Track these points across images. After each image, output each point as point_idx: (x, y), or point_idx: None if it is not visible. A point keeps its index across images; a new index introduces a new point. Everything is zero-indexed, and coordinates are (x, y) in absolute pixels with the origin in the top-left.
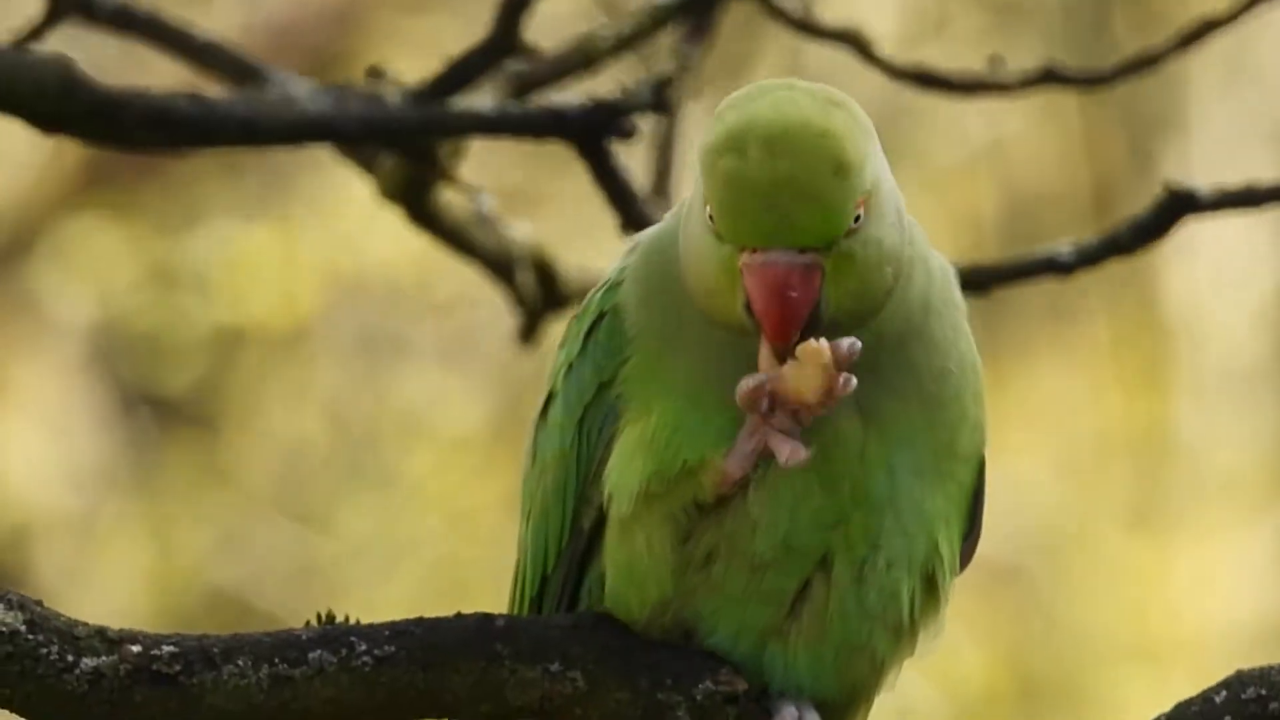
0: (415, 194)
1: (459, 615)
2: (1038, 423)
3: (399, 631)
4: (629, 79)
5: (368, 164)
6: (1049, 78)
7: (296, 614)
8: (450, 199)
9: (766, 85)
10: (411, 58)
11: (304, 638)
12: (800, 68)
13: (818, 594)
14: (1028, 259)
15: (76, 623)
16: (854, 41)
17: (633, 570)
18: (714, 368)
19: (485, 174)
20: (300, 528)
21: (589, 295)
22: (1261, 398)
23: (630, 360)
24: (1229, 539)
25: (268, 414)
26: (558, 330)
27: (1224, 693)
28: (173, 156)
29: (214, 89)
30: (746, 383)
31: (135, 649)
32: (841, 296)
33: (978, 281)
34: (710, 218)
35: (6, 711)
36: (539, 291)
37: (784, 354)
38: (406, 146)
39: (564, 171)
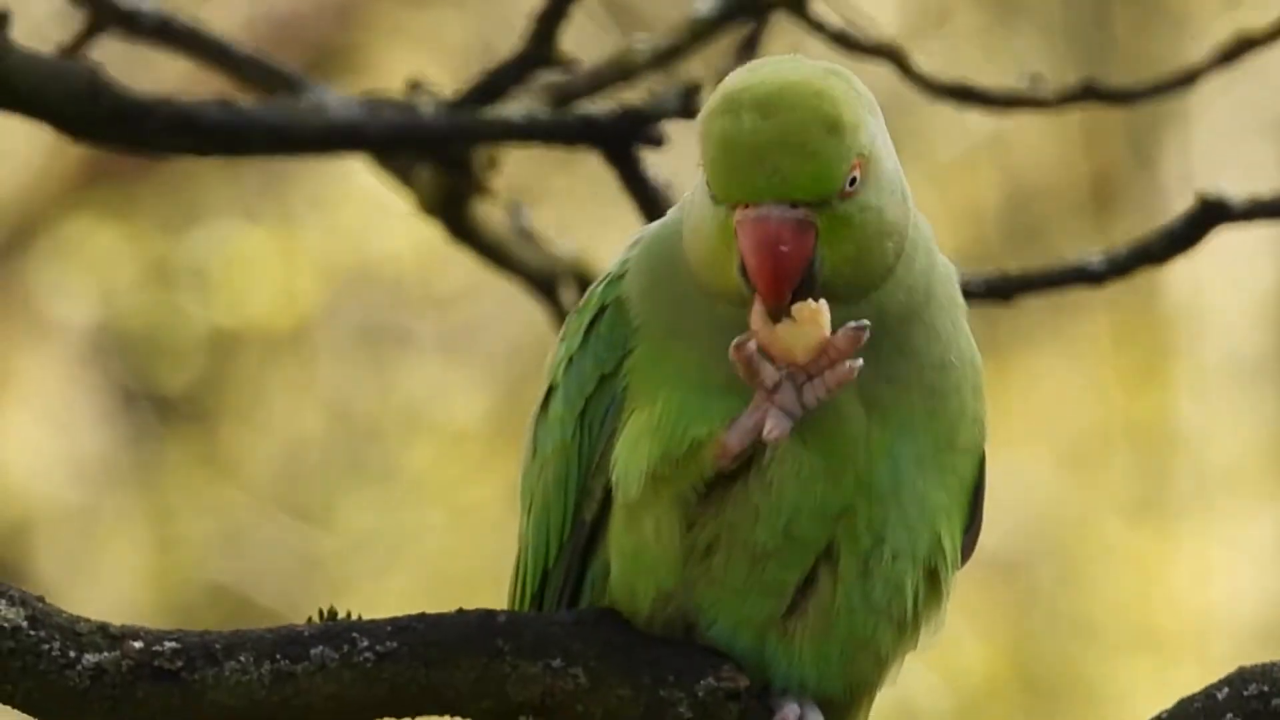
0: (453, 208)
1: (461, 611)
2: (1039, 415)
3: (401, 627)
4: (658, 86)
5: (404, 176)
6: (1087, 94)
7: (297, 609)
8: (489, 213)
9: (770, 57)
10: (413, 52)
11: (306, 634)
12: None
13: (824, 588)
14: (1058, 268)
15: (78, 619)
16: (893, 57)
17: (640, 558)
18: (719, 352)
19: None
20: (301, 522)
21: (590, 289)
22: (1262, 390)
23: (634, 351)
24: (1230, 531)
25: (268, 409)
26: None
27: (1226, 689)
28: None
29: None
30: (739, 338)
31: (137, 645)
32: (839, 261)
33: (1006, 290)
34: (708, 183)
35: (8, 708)
36: None
37: (777, 313)
38: (440, 155)
39: (567, 168)
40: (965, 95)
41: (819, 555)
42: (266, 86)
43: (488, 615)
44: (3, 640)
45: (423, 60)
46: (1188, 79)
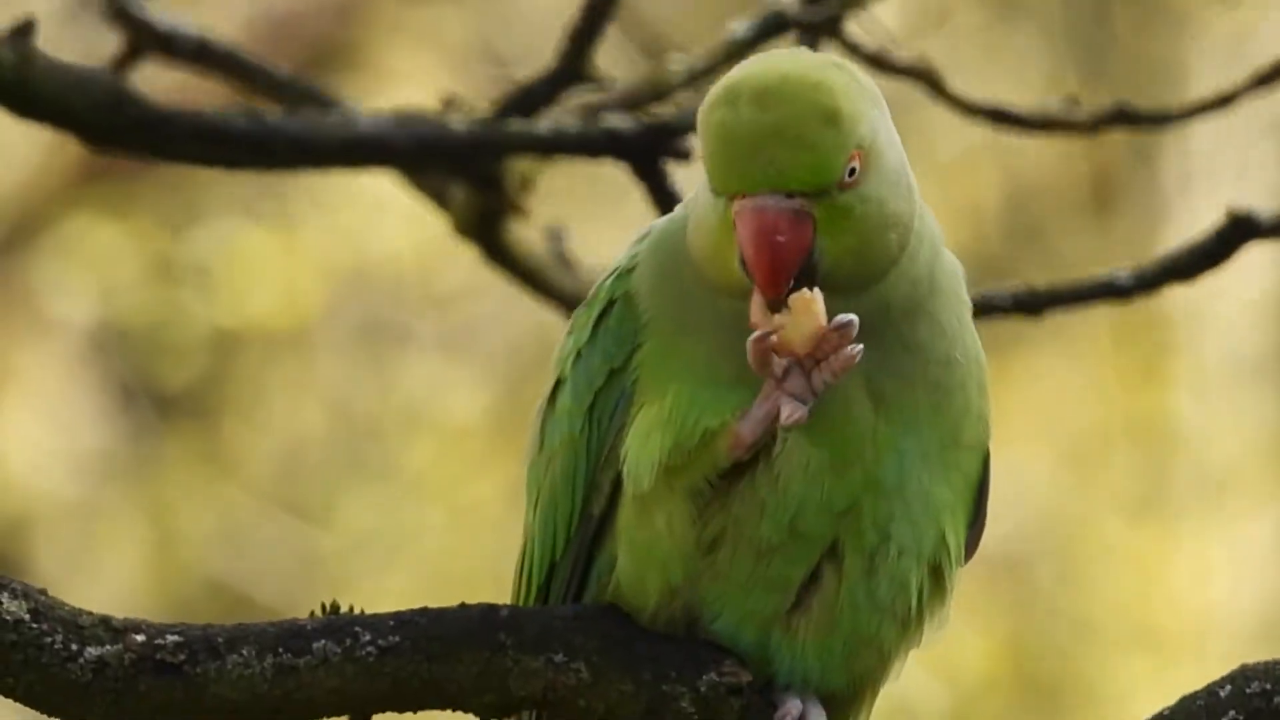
0: (488, 229)
1: (463, 605)
2: (1040, 414)
3: (403, 622)
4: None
5: (439, 197)
6: (1121, 117)
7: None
8: (526, 236)
9: (773, 50)
10: (412, 49)
11: (308, 627)
12: None
13: (828, 584)
14: (1086, 284)
15: (81, 612)
16: (927, 78)
17: (652, 551)
18: (727, 345)
19: None
20: (301, 520)
21: (597, 283)
22: (1262, 389)
23: (643, 345)
24: (1230, 530)
25: (268, 407)
26: None
27: (1229, 687)
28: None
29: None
30: (758, 333)
31: (139, 638)
32: (839, 253)
33: (1034, 305)
34: (708, 176)
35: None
36: None
37: (775, 304)
38: (470, 172)
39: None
40: (1000, 117)
41: (824, 551)
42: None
43: (490, 609)
44: (5, 633)
45: (422, 58)
46: (1223, 101)
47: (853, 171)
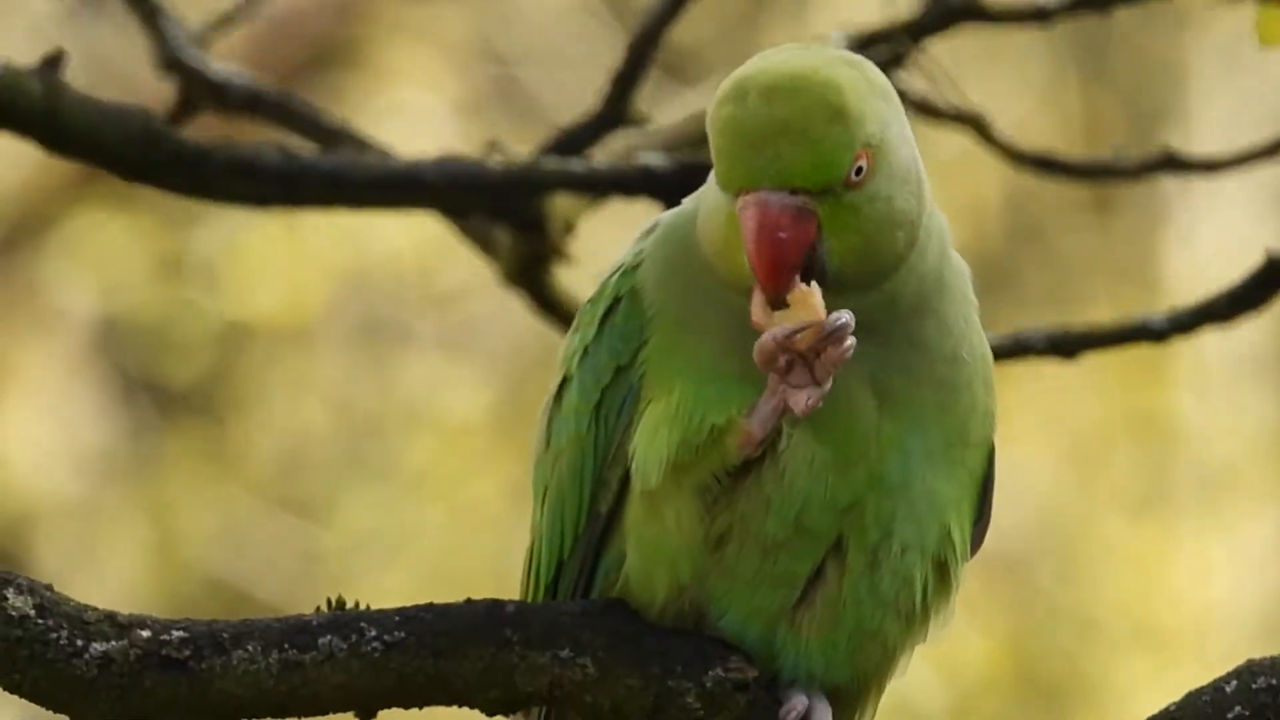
0: (534, 275)
1: (469, 601)
2: (1040, 411)
3: (409, 617)
4: None
5: (485, 245)
6: (1169, 164)
7: (298, 604)
8: (571, 283)
9: (785, 45)
10: (413, 48)
11: (314, 623)
12: None
13: (831, 579)
14: (1120, 326)
15: (86, 607)
16: (974, 124)
17: (661, 548)
18: (734, 341)
19: None
20: (302, 518)
21: (603, 279)
22: (1264, 387)
23: (649, 342)
24: (1231, 528)
25: (270, 405)
26: None
27: (1234, 682)
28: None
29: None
30: (769, 331)
31: (145, 634)
32: (846, 252)
33: (1068, 346)
34: (716, 171)
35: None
36: None
37: (777, 300)
38: (509, 212)
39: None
40: (1047, 165)
41: (829, 547)
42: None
43: (496, 605)
44: (10, 629)
45: (423, 56)
46: (1275, 149)
47: (860, 170)
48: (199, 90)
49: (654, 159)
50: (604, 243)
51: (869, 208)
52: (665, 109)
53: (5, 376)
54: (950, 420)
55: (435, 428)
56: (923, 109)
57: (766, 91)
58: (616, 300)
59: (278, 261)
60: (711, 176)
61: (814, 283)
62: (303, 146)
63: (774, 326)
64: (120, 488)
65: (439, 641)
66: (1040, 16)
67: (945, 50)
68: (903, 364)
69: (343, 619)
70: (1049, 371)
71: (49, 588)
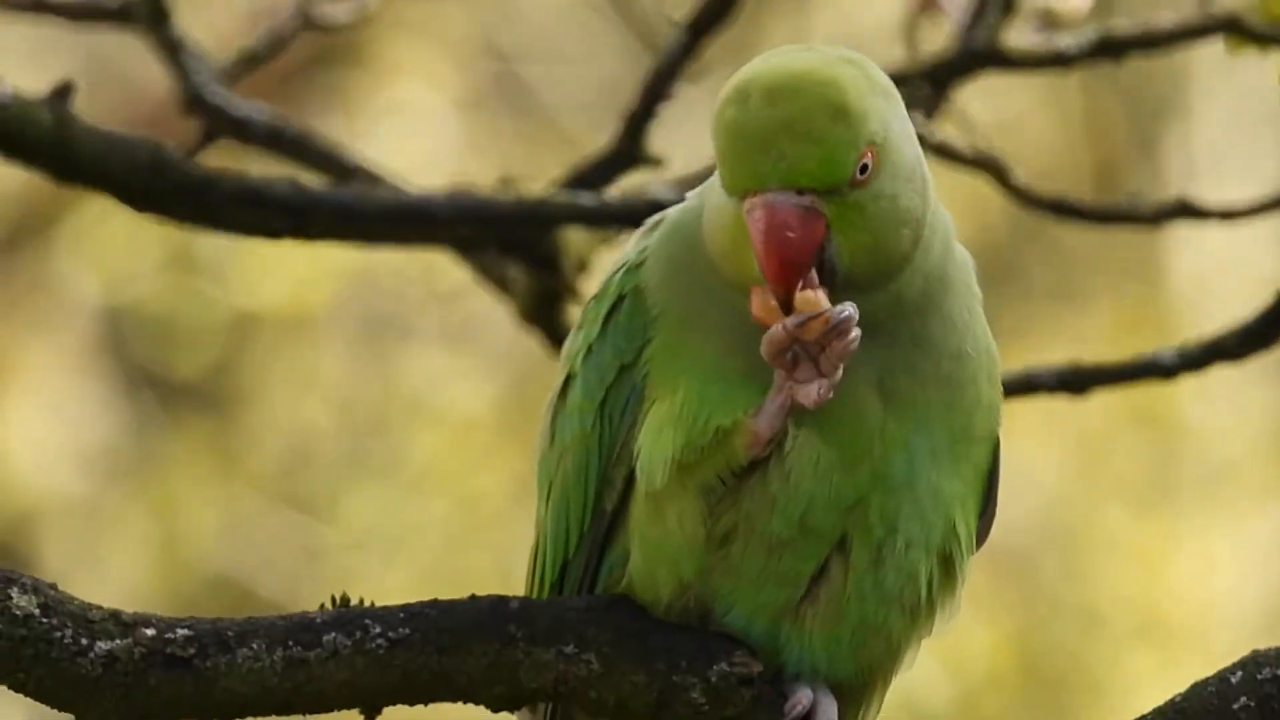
0: (549, 314)
1: (473, 597)
2: (1044, 408)
3: (413, 614)
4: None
5: (502, 283)
6: (1184, 210)
7: (301, 601)
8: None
9: (786, 46)
10: (415, 45)
11: (318, 620)
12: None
13: (835, 576)
14: (1130, 363)
15: (90, 606)
16: (992, 169)
17: (664, 547)
18: (738, 340)
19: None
20: (305, 514)
21: (607, 277)
22: (1267, 382)
23: (653, 340)
24: (1234, 523)
25: (273, 401)
26: None
27: (1240, 673)
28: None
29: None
30: (776, 327)
31: (149, 632)
32: (854, 251)
33: (1078, 383)
34: (720, 175)
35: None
36: None
37: (786, 301)
38: (520, 246)
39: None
40: (1063, 210)
41: (834, 545)
42: None
43: (500, 601)
44: (15, 628)
45: (424, 53)
46: None
47: (865, 169)
48: (220, 126)
49: (664, 192)
50: None
51: (875, 206)
52: (665, 108)
53: (9, 373)
54: (955, 416)
55: (439, 424)
56: (941, 153)
57: (768, 92)
58: (620, 298)
59: (282, 257)
60: (716, 175)
61: (820, 290)
62: (320, 182)
63: (776, 320)
64: (123, 485)
65: (443, 638)
66: (1060, 62)
67: (941, 40)
68: (908, 363)
69: (347, 616)
70: (1052, 365)
71: (53, 586)
